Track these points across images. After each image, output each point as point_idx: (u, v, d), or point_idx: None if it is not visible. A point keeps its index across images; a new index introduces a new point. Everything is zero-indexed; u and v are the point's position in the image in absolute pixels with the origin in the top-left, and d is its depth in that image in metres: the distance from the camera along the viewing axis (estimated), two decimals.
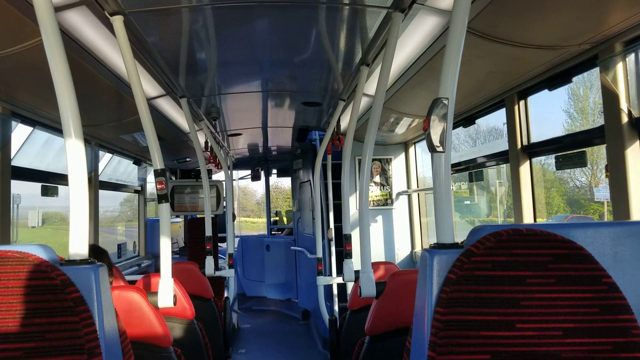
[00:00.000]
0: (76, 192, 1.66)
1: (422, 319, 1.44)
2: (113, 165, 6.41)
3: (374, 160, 6.35)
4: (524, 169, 3.68)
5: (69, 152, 1.66)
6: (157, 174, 2.62)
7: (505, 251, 1.38)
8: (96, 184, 5.27)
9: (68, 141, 1.67)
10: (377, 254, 6.30)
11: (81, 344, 1.41)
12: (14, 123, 3.64)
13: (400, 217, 6.46)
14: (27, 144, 4.18)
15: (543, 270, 1.37)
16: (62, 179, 4.52)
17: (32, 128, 4.01)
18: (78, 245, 1.64)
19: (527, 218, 3.67)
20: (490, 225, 1.46)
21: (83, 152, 1.69)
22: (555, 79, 3.18)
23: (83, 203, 1.67)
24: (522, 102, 3.66)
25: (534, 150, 3.63)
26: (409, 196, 6.45)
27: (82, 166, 1.67)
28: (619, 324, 1.34)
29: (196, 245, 7.36)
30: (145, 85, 3.50)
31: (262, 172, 10.40)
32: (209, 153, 5.35)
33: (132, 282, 3.60)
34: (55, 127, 4.11)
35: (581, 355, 1.33)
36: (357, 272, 3.54)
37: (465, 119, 4.51)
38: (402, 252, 6.43)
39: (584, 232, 1.50)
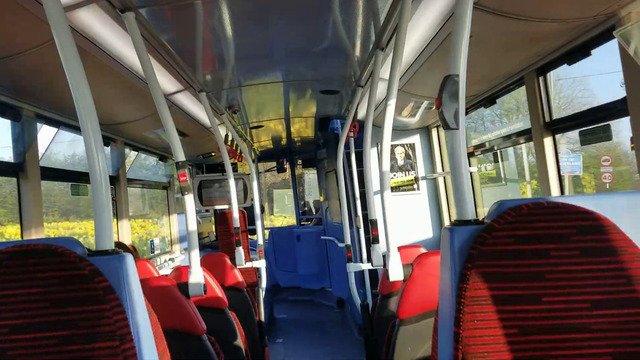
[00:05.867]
0: (97, 185, 1.70)
1: (447, 296, 1.44)
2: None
3: (397, 145, 6.33)
4: (548, 145, 3.63)
5: (87, 148, 1.70)
6: (179, 166, 2.67)
7: (527, 224, 1.36)
8: (124, 181, 5.37)
9: (86, 137, 1.71)
10: (407, 237, 6.28)
11: (112, 331, 1.45)
12: (39, 124, 3.73)
13: (427, 201, 6.43)
14: (53, 145, 4.30)
15: (566, 242, 1.35)
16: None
17: (56, 129, 4.11)
18: (103, 237, 1.69)
19: (555, 193, 3.63)
20: (511, 200, 1.44)
21: (101, 146, 1.72)
22: (574, 52, 3.12)
23: (105, 196, 1.71)
24: (541, 79, 3.60)
25: (556, 126, 3.57)
26: (435, 179, 6.41)
27: (102, 160, 1.71)
28: None
29: (226, 238, 7.44)
30: (163, 81, 3.55)
31: (288, 163, 10.44)
32: (229, 146, 5.40)
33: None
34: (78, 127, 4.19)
35: (611, 326, 1.31)
36: (384, 256, 3.56)
37: (485, 99, 4.46)
38: (431, 233, 6.41)
39: (609, 203, 1.48)
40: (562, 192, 3.66)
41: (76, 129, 4.20)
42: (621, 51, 2.65)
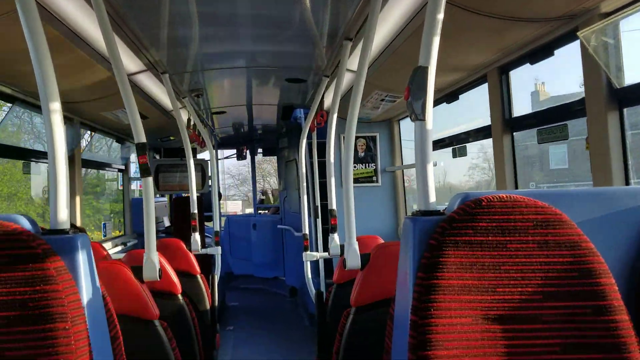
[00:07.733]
0: (54, 163, 1.65)
1: (405, 284, 1.46)
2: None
3: (359, 137, 6.35)
4: (506, 142, 3.71)
5: (46, 123, 1.64)
6: (139, 147, 2.61)
7: (485, 217, 1.38)
8: (79, 162, 5.22)
9: (46, 113, 1.65)
10: (363, 229, 6.32)
11: (65, 312, 1.39)
12: None
13: (386, 193, 6.49)
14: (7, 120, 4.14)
15: (523, 235, 1.38)
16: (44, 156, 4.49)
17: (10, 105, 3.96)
18: (59, 216, 1.63)
19: (510, 188, 3.72)
20: (472, 192, 1.47)
21: (61, 122, 1.66)
22: (537, 52, 3.19)
23: (62, 173, 1.65)
24: (503, 77, 3.68)
25: (515, 124, 3.65)
26: (394, 173, 6.47)
27: (60, 136, 1.65)
28: (598, 287, 1.36)
29: (182, 223, 7.32)
30: (125, 60, 3.46)
31: (248, 151, 10.35)
32: (192, 131, 5.32)
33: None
34: (35, 104, 4.06)
35: (561, 318, 1.35)
36: (342, 246, 3.58)
37: (448, 95, 4.52)
38: (388, 225, 6.47)
39: (564, 198, 1.53)
40: (516, 188, 3.76)
41: (32, 105, 4.07)
42: (583, 53, 2.73)
